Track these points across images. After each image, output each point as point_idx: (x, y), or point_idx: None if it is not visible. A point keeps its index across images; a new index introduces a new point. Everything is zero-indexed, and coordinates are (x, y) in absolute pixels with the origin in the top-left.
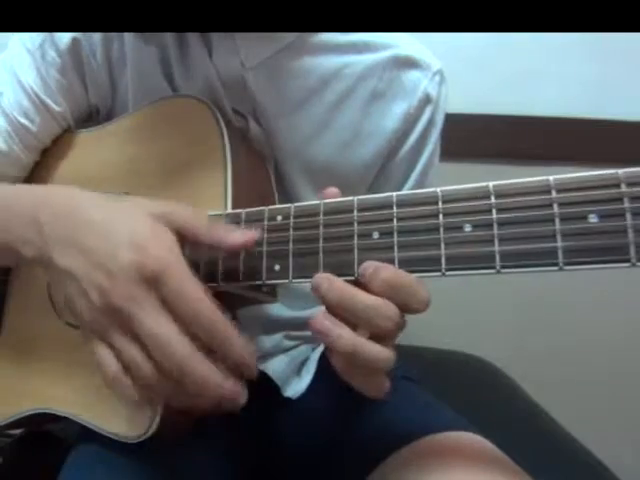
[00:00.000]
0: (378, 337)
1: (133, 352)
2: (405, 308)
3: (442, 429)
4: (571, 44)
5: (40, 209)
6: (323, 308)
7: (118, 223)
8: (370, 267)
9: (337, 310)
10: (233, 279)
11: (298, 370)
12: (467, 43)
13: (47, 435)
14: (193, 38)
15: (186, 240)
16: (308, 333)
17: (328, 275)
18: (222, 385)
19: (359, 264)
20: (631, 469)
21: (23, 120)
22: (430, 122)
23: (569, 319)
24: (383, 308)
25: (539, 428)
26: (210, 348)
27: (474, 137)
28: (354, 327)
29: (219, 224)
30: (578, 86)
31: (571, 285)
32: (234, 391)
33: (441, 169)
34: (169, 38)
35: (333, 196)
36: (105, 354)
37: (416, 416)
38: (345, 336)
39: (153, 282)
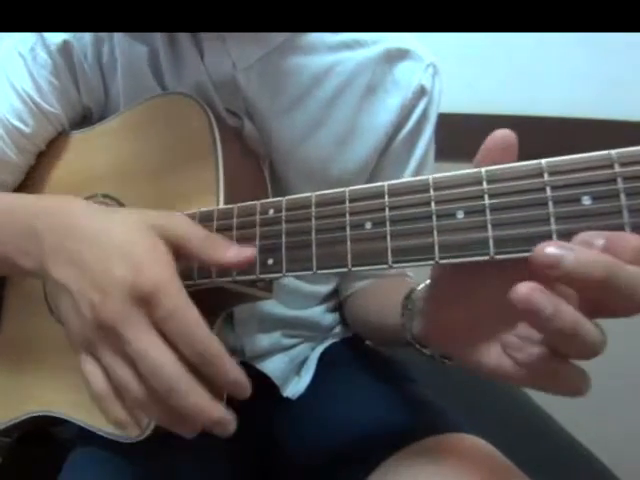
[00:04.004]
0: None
1: (122, 371)
2: None
3: (442, 430)
4: (573, 44)
5: (37, 219)
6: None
7: (113, 234)
8: (597, 238)
9: (591, 289)
10: (226, 274)
11: (297, 370)
12: (468, 43)
13: (47, 435)
14: (184, 40)
15: (180, 253)
16: (306, 332)
17: (559, 243)
18: (212, 412)
19: (352, 255)
20: (631, 469)
21: (17, 123)
22: (424, 115)
23: None
24: None
25: (539, 428)
26: (200, 370)
27: (474, 137)
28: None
29: (215, 238)
30: (580, 86)
31: None
32: (225, 418)
33: (441, 169)
34: (159, 39)
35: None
36: (93, 371)
37: (416, 417)
38: (566, 311)
39: (146, 302)
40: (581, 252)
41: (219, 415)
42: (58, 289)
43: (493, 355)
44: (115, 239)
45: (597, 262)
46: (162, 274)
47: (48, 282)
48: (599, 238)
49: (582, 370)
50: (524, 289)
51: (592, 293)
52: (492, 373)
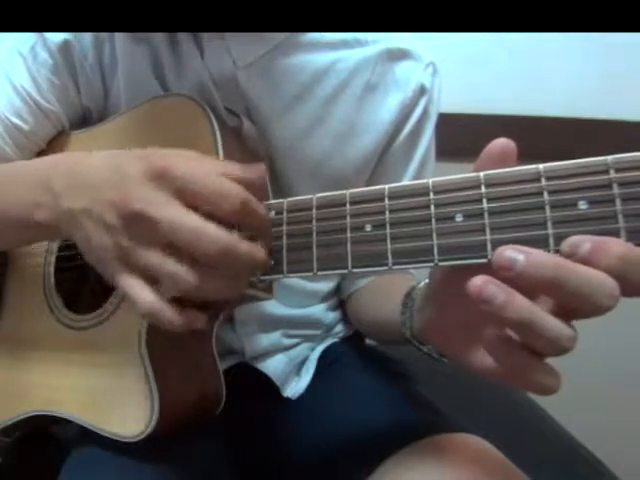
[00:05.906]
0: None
1: (167, 263)
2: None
3: (442, 430)
4: (572, 44)
5: (52, 170)
6: (483, 276)
7: (121, 155)
8: (584, 242)
9: (542, 289)
10: None
11: (297, 370)
12: (467, 43)
13: (47, 435)
14: (184, 39)
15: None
16: (306, 331)
17: (517, 247)
18: (260, 252)
19: (352, 257)
20: (631, 469)
21: (15, 120)
22: (424, 113)
23: None
24: (608, 283)
25: (539, 428)
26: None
27: (474, 137)
28: None
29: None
30: (579, 86)
31: None
32: (265, 253)
33: (441, 169)
34: (160, 39)
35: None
36: (136, 286)
37: (416, 417)
38: (518, 302)
39: (162, 178)
40: (532, 254)
41: (264, 253)
42: (78, 219)
43: (479, 354)
44: (123, 156)
45: (546, 263)
46: (169, 153)
47: (70, 225)
48: (586, 242)
49: (553, 369)
50: (478, 281)
51: (552, 294)
52: (477, 371)
